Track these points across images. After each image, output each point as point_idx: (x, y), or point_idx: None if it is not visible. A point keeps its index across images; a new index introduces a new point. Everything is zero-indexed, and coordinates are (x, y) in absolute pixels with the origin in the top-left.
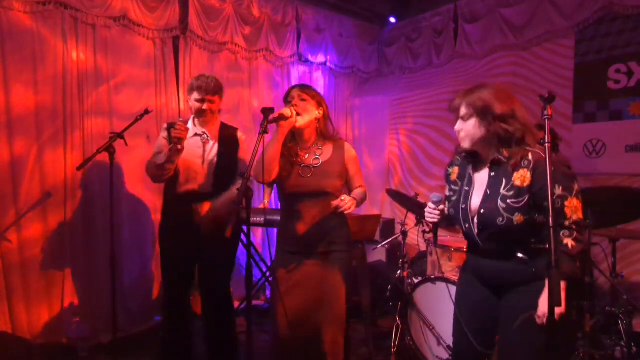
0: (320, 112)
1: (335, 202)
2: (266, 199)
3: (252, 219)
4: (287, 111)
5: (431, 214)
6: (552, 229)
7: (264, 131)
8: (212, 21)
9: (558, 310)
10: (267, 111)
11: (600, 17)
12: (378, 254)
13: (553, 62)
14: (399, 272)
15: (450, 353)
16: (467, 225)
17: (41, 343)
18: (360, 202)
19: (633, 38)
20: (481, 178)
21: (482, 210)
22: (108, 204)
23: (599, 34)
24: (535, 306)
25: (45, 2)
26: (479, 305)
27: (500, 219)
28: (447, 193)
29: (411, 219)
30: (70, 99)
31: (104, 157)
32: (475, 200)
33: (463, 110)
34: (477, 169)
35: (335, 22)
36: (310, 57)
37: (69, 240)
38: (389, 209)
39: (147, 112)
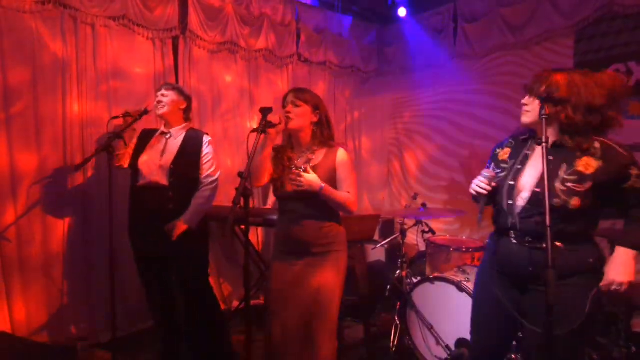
0: (316, 116)
1: (292, 174)
2: (269, 201)
3: (251, 219)
4: (275, 118)
5: (481, 183)
6: (548, 228)
7: (262, 131)
8: (211, 21)
9: (628, 279)
10: (265, 111)
11: (600, 16)
12: (377, 253)
13: (553, 61)
14: (398, 271)
15: (449, 353)
16: (510, 202)
17: (41, 342)
18: (338, 201)
19: (633, 37)
20: (536, 159)
21: (537, 189)
22: (107, 203)
23: (598, 33)
24: (562, 308)
25: (44, 1)
26: (498, 302)
27: (557, 200)
28: (495, 170)
29: (410, 219)
30: (70, 98)
31: (103, 156)
32: (527, 179)
33: (537, 86)
34: (534, 149)
35: (334, 21)
36: (309, 57)
37: (68, 239)
38: (388, 209)
39: (145, 112)
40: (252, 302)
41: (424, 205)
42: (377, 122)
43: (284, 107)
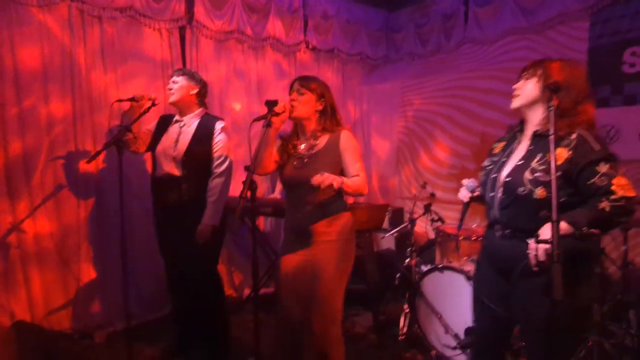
0: (321, 104)
1: (314, 178)
2: (277, 189)
3: (261, 209)
4: (279, 107)
5: (462, 191)
6: (553, 223)
7: (267, 124)
8: (218, 10)
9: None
10: (270, 104)
11: None
12: (387, 242)
13: (566, 46)
14: (407, 260)
15: (458, 341)
16: (491, 194)
17: (59, 330)
18: (352, 187)
19: None
20: (520, 150)
21: (508, 178)
22: (119, 194)
23: (614, 16)
24: (544, 303)
25: None
26: (493, 294)
27: (522, 189)
28: (484, 164)
29: (420, 207)
30: (79, 91)
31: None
32: (506, 170)
33: (530, 70)
34: (520, 142)
35: (342, 8)
36: (317, 44)
37: (82, 230)
38: (398, 197)
39: (153, 104)
40: (263, 290)
41: (432, 194)
42: (386, 110)
43: (290, 94)
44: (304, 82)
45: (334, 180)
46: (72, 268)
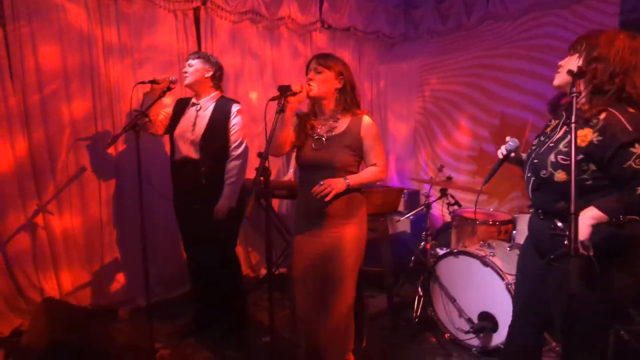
0: (340, 82)
1: (314, 189)
2: (292, 168)
3: (276, 192)
4: (296, 86)
5: (503, 148)
6: (573, 216)
7: (281, 110)
8: None
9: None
10: (283, 89)
11: None
12: (402, 225)
13: (595, 21)
14: (422, 244)
15: (472, 325)
16: (528, 174)
17: (85, 307)
18: (362, 181)
19: None
20: (561, 131)
21: (536, 160)
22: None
23: None
24: (561, 290)
25: None
26: (533, 279)
27: (544, 172)
28: (534, 143)
29: (436, 190)
30: (98, 74)
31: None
32: (540, 153)
33: (576, 46)
34: (563, 123)
35: None
36: (333, 23)
37: (104, 211)
38: (414, 180)
39: (169, 88)
40: (279, 270)
41: (449, 178)
42: (403, 90)
43: (306, 73)
44: (322, 60)
45: (336, 187)
46: (96, 247)
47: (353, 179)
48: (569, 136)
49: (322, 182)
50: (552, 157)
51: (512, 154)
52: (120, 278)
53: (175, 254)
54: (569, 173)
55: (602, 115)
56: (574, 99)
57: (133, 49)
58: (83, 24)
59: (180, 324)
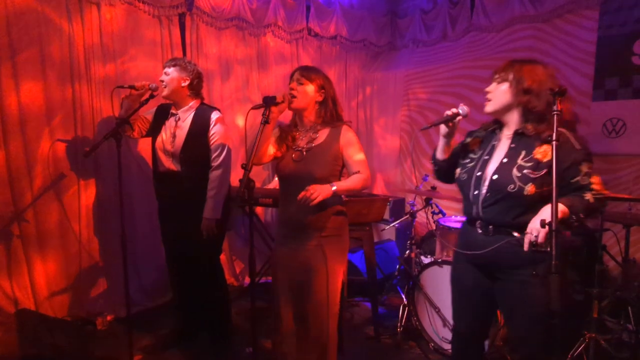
0: (321, 95)
1: (300, 195)
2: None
3: (261, 200)
4: (278, 96)
5: (454, 109)
6: (554, 232)
7: (265, 121)
8: None
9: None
10: (268, 100)
11: None
12: (388, 233)
13: (574, 35)
14: (407, 252)
15: None
16: (476, 192)
17: (61, 318)
18: (347, 188)
19: None
20: (502, 149)
21: (495, 176)
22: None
23: (625, 5)
24: (530, 296)
25: None
26: (472, 291)
27: (512, 186)
28: (462, 160)
29: (421, 199)
30: (79, 80)
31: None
32: (491, 168)
33: (500, 73)
34: (500, 140)
35: None
36: (320, 31)
37: (84, 218)
38: (400, 189)
39: (152, 96)
40: (263, 279)
41: (433, 187)
42: (389, 98)
43: (290, 84)
44: (305, 72)
45: (323, 193)
46: (73, 256)
47: (339, 185)
48: (524, 152)
49: (307, 188)
50: (515, 172)
51: (459, 119)
52: (99, 288)
53: (157, 263)
54: (537, 186)
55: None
56: (555, 117)
57: (116, 54)
58: (64, 27)
59: (161, 334)
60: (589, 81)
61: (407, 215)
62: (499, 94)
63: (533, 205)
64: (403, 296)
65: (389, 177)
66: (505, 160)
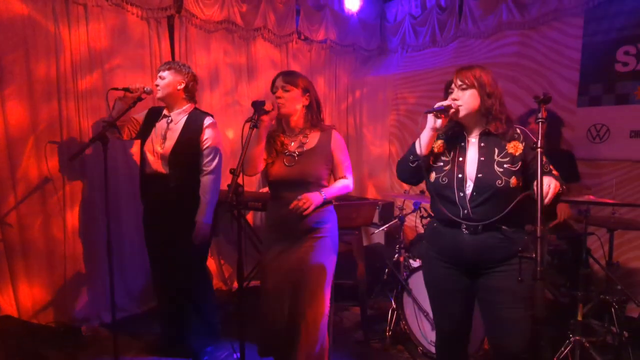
0: (307, 99)
1: (292, 204)
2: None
3: (251, 203)
4: (267, 105)
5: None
6: (538, 239)
7: (254, 126)
8: None
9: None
10: (257, 105)
11: None
12: (377, 237)
13: (560, 42)
14: (395, 256)
15: None
16: (460, 194)
17: (46, 324)
18: (336, 194)
19: None
20: (471, 150)
21: (480, 175)
22: (105, 188)
23: (609, 13)
24: (515, 287)
25: None
26: (452, 293)
27: (499, 181)
28: (434, 163)
29: (410, 203)
30: (64, 82)
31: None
32: (470, 169)
33: (464, 81)
34: (467, 141)
35: None
36: (309, 35)
37: (69, 222)
38: (389, 192)
39: (139, 99)
40: (252, 282)
41: (422, 192)
42: (378, 103)
43: (273, 91)
44: (288, 77)
45: (314, 201)
46: (58, 262)
47: (328, 192)
48: (497, 149)
49: (300, 197)
50: (497, 168)
51: (452, 111)
52: (85, 293)
53: (144, 267)
54: (518, 178)
55: (518, 130)
56: (541, 124)
57: (103, 56)
58: (50, 29)
59: (148, 340)
60: (574, 87)
61: (396, 219)
62: (468, 99)
63: (515, 197)
64: (392, 300)
65: (379, 181)
66: (482, 159)
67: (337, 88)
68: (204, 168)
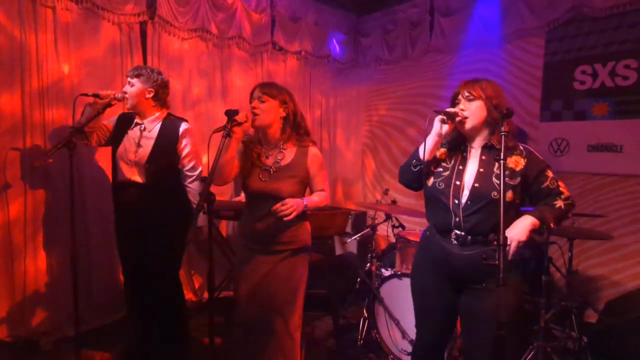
0: (284, 111)
1: (275, 206)
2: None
3: (223, 212)
4: (241, 116)
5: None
6: (501, 247)
7: (227, 135)
8: (181, 6)
9: (518, 238)
10: (231, 113)
11: (570, 17)
12: (349, 246)
13: (524, 60)
14: (367, 265)
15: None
16: (455, 201)
17: (1, 339)
18: (315, 204)
19: (599, 40)
20: (473, 160)
21: (476, 184)
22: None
23: (567, 35)
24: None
25: None
26: (437, 306)
27: (495, 193)
28: (435, 169)
29: (382, 213)
30: (29, 87)
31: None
32: (468, 178)
33: (470, 92)
34: (470, 152)
35: (311, 10)
36: (284, 46)
37: (30, 232)
38: (361, 203)
39: (109, 105)
40: (223, 293)
41: (394, 201)
42: (352, 114)
43: (250, 102)
44: (266, 88)
45: (298, 209)
46: (17, 271)
47: (310, 201)
48: (496, 163)
49: (284, 202)
50: (495, 180)
51: (457, 119)
52: (45, 305)
53: (109, 278)
54: (515, 192)
55: (521, 147)
56: (503, 137)
57: (72, 61)
58: (15, 32)
59: (112, 353)
60: (536, 103)
61: (368, 229)
62: (475, 111)
63: (507, 212)
64: (364, 309)
65: (351, 191)
66: (481, 170)
67: (311, 99)
68: (189, 174)
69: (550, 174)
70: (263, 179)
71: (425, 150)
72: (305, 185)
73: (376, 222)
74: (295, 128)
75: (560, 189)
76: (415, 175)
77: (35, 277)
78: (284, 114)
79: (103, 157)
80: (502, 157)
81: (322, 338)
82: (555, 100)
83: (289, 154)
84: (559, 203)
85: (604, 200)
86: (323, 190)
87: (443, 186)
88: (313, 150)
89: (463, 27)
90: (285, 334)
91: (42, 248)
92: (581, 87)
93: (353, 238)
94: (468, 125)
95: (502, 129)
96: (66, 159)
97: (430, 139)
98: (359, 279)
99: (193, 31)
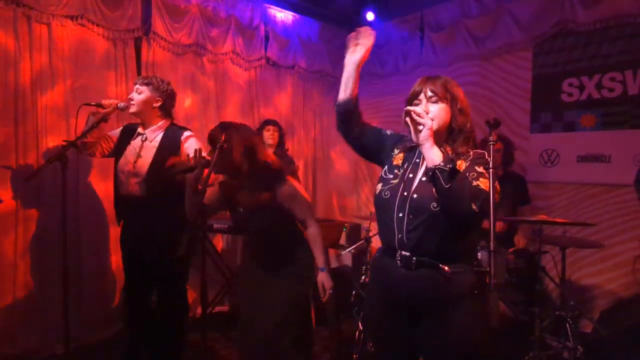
0: (243, 156)
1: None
2: None
3: (216, 226)
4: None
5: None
6: (492, 254)
7: (220, 146)
8: (176, 22)
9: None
10: (226, 125)
11: (556, 32)
12: (344, 259)
13: (513, 73)
14: (362, 277)
15: None
16: (400, 215)
17: None
18: (323, 253)
19: (584, 53)
20: (422, 167)
21: (414, 195)
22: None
23: (554, 48)
24: (454, 338)
25: None
26: (391, 338)
27: (435, 204)
28: (385, 174)
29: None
30: (23, 102)
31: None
32: (414, 188)
33: (435, 92)
34: (421, 158)
35: (304, 25)
36: (277, 61)
37: (21, 247)
38: (355, 216)
39: (103, 119)
40: (216, 308)
41: None
42: None
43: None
44: (212, 135)
45: (327, 286)
46: (6, 287)
47: (322, 263)
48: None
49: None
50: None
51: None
52: (35, 323)
53: (100, 294)
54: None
55: (471, 153)
56: (492, 146)
57: (66, 77)
58: (9, 47)
59: None
60: (526, 115)
61: (363, 241)
62: (440, 114)
63: (454, 227)
64: (359, 322)
65: (345, 204)
66: (424, 179)
67: (305, 112)
68: None
69: (479, 169)
70: (244, 215)
71: (342, 86)
72: (286, 216)
73: (371, 234)
74: (261, 165)
75: (480, 184)
76: (340, 117)
77: (26, 292)
78: (240, 158)
79: (95, 171)
80: (491, 167)
81: (318, 352)
82: (544, 112)
83: (259, 196)
84: (475, 182)
85: (594, 210)
86: (305, 220)
87: (389, 195)
88: (283, 188)
89: (453, 41)
90: (284, 348)
91: (33, 263)
92: (569, 99)
93: (347, 250)
94: (434, 127)
95: (490, 138)
96: (59, 173)
97: (345, 72)
98: (354, 292)
99: (187, 47)
